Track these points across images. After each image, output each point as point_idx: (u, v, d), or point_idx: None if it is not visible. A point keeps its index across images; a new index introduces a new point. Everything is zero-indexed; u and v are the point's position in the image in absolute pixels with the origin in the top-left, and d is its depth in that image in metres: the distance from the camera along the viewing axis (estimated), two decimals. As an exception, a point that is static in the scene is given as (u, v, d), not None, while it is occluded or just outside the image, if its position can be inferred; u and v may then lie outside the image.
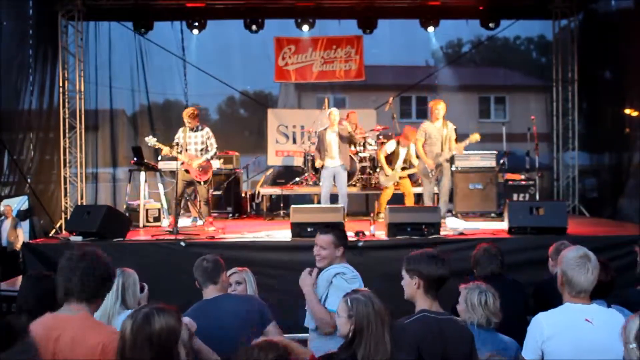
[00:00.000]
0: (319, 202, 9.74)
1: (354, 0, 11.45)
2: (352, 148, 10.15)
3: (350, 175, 9.89)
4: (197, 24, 11.58)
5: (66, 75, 11.16)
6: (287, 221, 7.52)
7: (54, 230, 10.35)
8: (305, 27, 11.72)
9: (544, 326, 3.01)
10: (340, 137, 8.96)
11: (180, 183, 8.26)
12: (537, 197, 10.16)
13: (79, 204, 10.86)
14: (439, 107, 8.40)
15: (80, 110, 11.27)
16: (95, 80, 11.67)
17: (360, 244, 6.76)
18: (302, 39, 12.09)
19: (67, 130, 11.16)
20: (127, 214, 8.73)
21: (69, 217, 10.06)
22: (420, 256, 3.10)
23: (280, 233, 7.63)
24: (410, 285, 3.08)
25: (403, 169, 9.75)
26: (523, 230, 7.01)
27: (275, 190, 10.80)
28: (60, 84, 11.09)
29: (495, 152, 10.26)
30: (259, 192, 10.84)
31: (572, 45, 11.51)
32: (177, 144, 8.34)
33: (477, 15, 11.52)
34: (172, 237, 7.29)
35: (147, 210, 9.19)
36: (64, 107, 11.12)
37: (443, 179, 8.50)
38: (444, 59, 13.14)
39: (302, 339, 3.51)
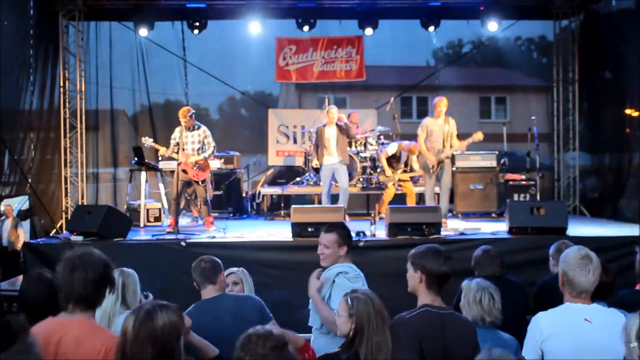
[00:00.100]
0: (319, 202, 9.74)
1: (355, 0, 11.46)
2: (352, 149, 10.16)
3: (351, 176, 9.89)
4: (197, 24, 11.55)
5: (67, 75, 11.17)
6: (288, 221, 7.52)
7: (54, 230, 10.36)
8: (306, 27, 11.71)
9: (544, 325, 3.00)
10: (340, 129, 8.95)
11: (178, 183, 8.21)
12: (538, 197, 10.16)
13: (80, 203, 10.85)
14: (442, 105, 8.40)
15: (81, 110, 11.28)
16: (95, 80, 11.65)
17: (361, 244, 6.78)
18: (303, 39, 12.07)
19: (67, 130, 11.17)
20: (127, 214, 8.74)
21: (69, 217, 10.06)
22: (426, 251, 3.10)
23: (280, 233, 7.63)
24: (414, 278, 3.08)
25: (404, 171, 9.76)
26: (523, 230, 7.03)
27: (276, 190, 10.80)
28: (61, 84, 11.09)
29: (495, 152, 10.28)
30: (259, 192, 10.84)
31: (572, 45, 11.51)
32: (177, 143, 8.33)
33: (477, 15, 11.51)
34: (173, 237, 7.30)
35: (147, 210, 9.20)
36: (64, 107, 11.13)
37: (444, 176, 8.49)
38: (445, 59, 13.13)
39: (306, 339, 3.52)
